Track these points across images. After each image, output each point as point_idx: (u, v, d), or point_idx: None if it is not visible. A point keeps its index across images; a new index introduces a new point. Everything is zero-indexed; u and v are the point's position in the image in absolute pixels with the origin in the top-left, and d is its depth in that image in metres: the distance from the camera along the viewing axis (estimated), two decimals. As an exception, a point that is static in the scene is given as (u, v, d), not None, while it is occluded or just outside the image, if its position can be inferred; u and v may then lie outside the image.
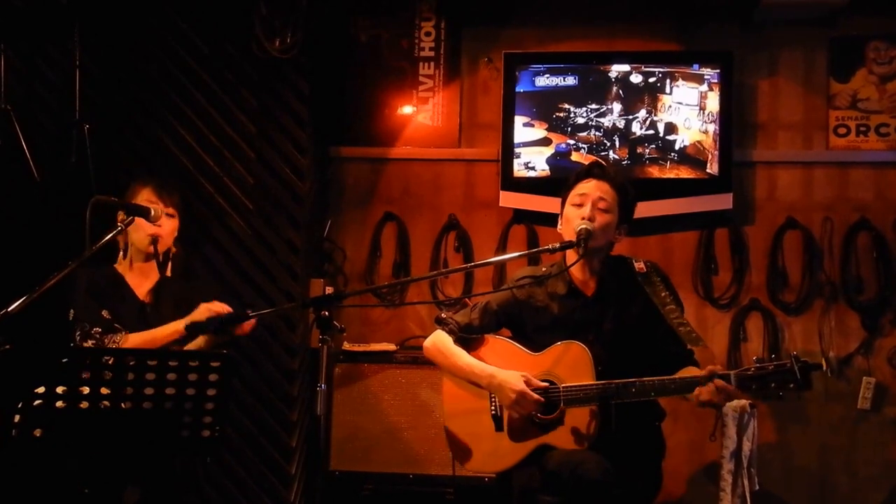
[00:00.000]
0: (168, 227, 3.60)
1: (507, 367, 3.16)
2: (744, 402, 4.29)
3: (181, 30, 4.47)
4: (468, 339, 3.29)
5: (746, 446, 4.23)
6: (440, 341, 3.30)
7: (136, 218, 3.36)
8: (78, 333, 3.12)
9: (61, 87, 4.39)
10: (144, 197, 3.56)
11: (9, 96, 4.24)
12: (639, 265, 3.21)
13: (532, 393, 3.03)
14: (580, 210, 3.14)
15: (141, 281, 3.61)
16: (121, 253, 3.65)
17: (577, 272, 3.23)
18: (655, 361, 3.05)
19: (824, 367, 4.40)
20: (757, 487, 4.21)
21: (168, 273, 3.66)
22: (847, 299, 4.56)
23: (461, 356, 3.24)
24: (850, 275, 4.56)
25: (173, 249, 3.71)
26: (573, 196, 3.20)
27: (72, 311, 3.33)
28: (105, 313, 3.39)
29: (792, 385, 2.77)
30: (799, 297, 4.59)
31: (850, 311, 4.57)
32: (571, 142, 4.63)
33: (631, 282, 3.18)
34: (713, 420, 4.34)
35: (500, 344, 3.29)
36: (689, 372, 3.00)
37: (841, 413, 4.54)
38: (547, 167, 4.64)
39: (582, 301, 3.21)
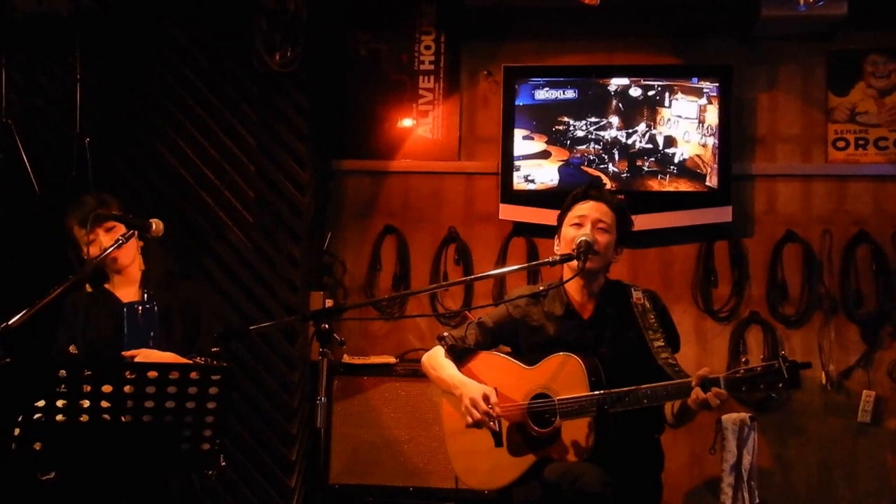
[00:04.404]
0: (110, 242, 3.29)
1: (502, 381, 3.17)
2: (744, 414, 4.29)
3: (181, 44, 4.49)
4: (462, 350, 3.30)
5: (746, 459, 4.23)
6: (433, 355, 3.33)
7: (96, 257, 3.23)
8: None
9: (62, 100, 4.41)
10: (76, 229, 3.40)
11: (9, 110, 4.26)
12: (637, 295, 3.20)
13: (481, 403, 3.05)
14: (579, 231, 3.14)
15: (127, 289, 3.48)
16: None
17: (575, 294, 3.23)
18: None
19: (823, 381, 4.49)
20: (757, 501, 4.20)
21: (142, 266, 3.51)
22: (847, 312, 4.56)
23: (445, 368, 3.26)
24: (849, 288, 4.56)
25: (139, 243, 3.51)
26: (571, 217, 3.20)
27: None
28: (72, 349, 3.35)
29: (781, 385, 2.77)
30: (798, 310, 4.59)
31: (849, 324, 4.57)
32: (586, 154, 4.64)
33: (627, 310, 3.19)
34: (713, 433, 4.34)
35: (494, 359, 3.29)
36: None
37: (841, 426, 4.53)
38: (557, 177, 4.65)
39: (578, 323, 3.21)
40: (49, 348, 3.42)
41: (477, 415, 3.06)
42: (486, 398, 3.07)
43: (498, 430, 3.15)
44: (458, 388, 3.18)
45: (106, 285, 3.51)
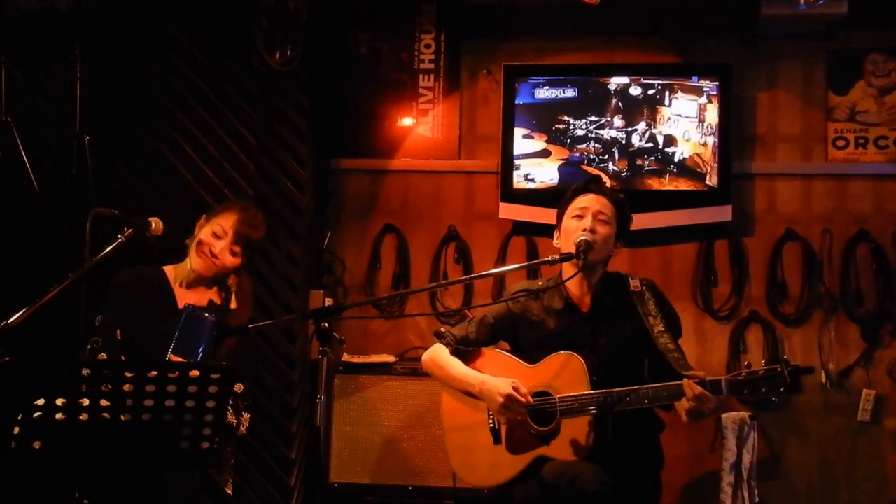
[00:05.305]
0: (228, 261, 3.41)
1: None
2: (743, 413, 4.30)
3: (182, 42, 4.49)
4: (465, 351, 3.30)
5: (746, 458, 4.23)
6: (437, 354, 3.32)
7: (201, 246, 3.31)
8: (89, 347, 3.12)
9: (62, 99, 4.41)
10: (227, 222, 3.40)
11: (9, 108, 4.26)
12: (634, 283, 3.22)
13: (519, 397, 3.04)
14: (581, 222, 3.15)
15: (188, 291, 3.43)
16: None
17: (573, 287, 3.24)
18: (648, 380, 3.05)
19: (823, 380, 4.49)
20: (757, 500, 4.21)
21: (233, 305, 3.46)
22: (847, 311, 4.56)
23: (455, 366, 3.26)
24: (849, 287, 4.56)
25: (233, 278, 3.52)
26: (572, 209, 3.21)
27: (99, 317, 3.28)
28: (118, 333, 3.29)
29: (782, 389, 2.79)
30: (798, 309, 4.59)
31: (849, 323, 4.57)
32: (586, 153, 4.64)
33: (625, 300, 3.20)
34: (713, 432, 4.34)
35: (497, 356, 3.30)
36: None
37: (841, 425, 4.53)
38: (557, 176, 4.65)
39: (577, 316, 3.22)
40: (75, 327, 3.32)
41: (519, 410, 3.04)
42: (517, 390, 3.05)
43: (497, 427, 3.15)
44: (475, 385, 3.17)
45: (167, 269, 3.46)
